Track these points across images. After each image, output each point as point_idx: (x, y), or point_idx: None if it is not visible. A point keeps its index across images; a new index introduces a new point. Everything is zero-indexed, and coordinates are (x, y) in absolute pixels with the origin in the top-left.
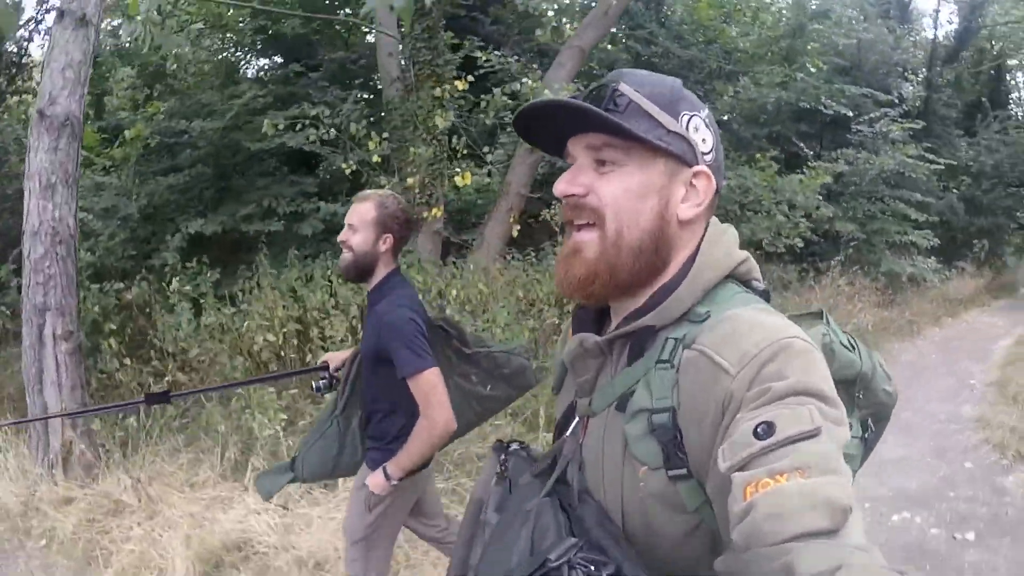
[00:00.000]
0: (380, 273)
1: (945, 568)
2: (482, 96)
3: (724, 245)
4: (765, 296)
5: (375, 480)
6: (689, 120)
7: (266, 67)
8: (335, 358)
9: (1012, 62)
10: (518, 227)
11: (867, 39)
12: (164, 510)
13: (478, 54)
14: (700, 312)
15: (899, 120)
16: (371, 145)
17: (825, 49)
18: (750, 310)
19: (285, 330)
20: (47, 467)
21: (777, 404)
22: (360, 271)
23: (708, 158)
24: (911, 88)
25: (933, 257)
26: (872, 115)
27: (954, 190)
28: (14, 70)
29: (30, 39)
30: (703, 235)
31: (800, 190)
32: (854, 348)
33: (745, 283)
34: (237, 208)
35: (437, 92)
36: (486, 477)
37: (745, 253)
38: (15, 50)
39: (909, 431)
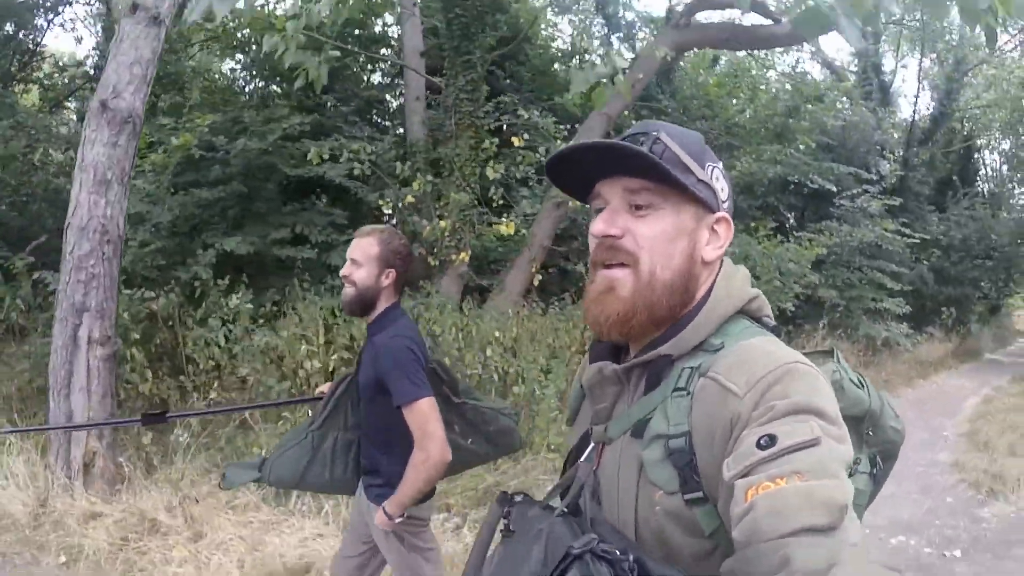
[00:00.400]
0: (381, 307)
1: None
2: (517, 149)
3: (738, 281)
4: (776, 332)
5: (380, 518)
6: (713, 170)
7: (276, 93)
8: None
9: (980, 142)
10: (539, 277)
11: (852, 120)
12: (209, 532)
13: (521, 112)
14: (715, 343)
15: (879, 196)
16: (415, 185)
17: (813, 127)
18: (760, 340)
19: (336, 357)
20: (67, 478)
21: (780, 421)
22: (363, 305)
23: (726, 205)
24: (888, 166)
25: (905, 323)
26: (854, 191)
27: (925, 261)
28: (26, 57)
29: (48, 27)
30: (718, 273)
31: (796, 259)
32: (863, 386)
33: (757, 319)
34: (263, 230)
35: (485, 144)
36: (488, 530)
37: (757, 291)
38: (31, 37)
39: (896, 474)
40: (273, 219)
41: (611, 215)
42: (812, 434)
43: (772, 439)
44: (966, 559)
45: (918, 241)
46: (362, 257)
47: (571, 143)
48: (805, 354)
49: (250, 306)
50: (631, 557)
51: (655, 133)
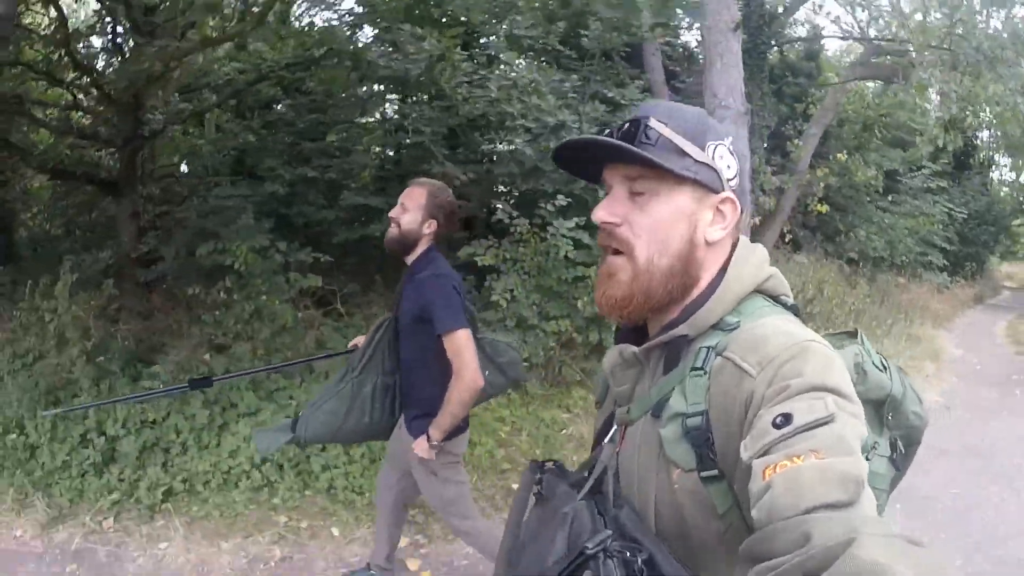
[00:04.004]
0: (419, 250)
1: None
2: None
3: (753, 262)
4: (794, 310)
5: (420, 445)
6: (715, 149)
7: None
8: (363, 342)
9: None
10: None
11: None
12: None
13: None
14: (730, 322)
15: (932, 178)
16: None
17: (892, 122)
18: (775, 319)
19: None
20: None
21: (795, 399)
22: (404, 247)
23: (732, 183)
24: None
25: (944, 272)
26: (914, 174)
27: (952, 227)
28: None
29: None
30: (730, 253)
31: (918, 228)
32: (886, 369)
33: (774, 298)
34: None
35: None
36: (523, 495)
37: (773, 269)
38: None
39: (979, 352)
40: None
41: (611, 202)
42: (827, 410)
43: (788, 418)
44: None
45: (964, 215)
46: (410, 203)
47: (569, 139)
48: (830, 335)
49: None
50: (639, 560)
51: (644, 120)
